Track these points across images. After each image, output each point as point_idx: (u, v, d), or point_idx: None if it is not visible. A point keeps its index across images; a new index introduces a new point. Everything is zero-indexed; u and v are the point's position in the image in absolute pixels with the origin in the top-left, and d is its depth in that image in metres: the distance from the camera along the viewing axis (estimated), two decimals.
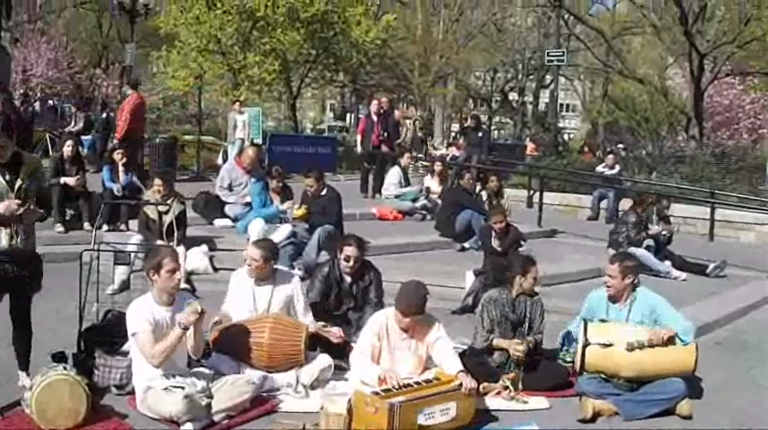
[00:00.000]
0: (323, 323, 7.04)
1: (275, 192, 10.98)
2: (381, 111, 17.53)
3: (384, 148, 17.23)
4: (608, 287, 6.90)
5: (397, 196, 15.10)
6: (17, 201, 5.27)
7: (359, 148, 18.13)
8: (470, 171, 14.72)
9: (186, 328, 5.70)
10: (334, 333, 7.00)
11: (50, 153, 17.88)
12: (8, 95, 17.77)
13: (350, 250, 7.39)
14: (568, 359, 7.19)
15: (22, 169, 5.34)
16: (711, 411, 6.53)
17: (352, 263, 7.38)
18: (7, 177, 5.29)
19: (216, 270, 9.88)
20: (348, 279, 7.45)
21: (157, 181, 10.15)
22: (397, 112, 20.02)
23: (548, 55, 29.15)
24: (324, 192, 10.77)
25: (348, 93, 53.28)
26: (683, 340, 6.57)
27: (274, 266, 7.02)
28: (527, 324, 7.03)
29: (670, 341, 6.50)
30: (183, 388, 5.55)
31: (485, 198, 13.74)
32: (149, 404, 5.64)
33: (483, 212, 12.38)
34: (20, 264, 5.47)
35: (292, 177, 14.22)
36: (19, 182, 5.30)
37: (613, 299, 6.90)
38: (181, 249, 9.20)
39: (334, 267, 7.50)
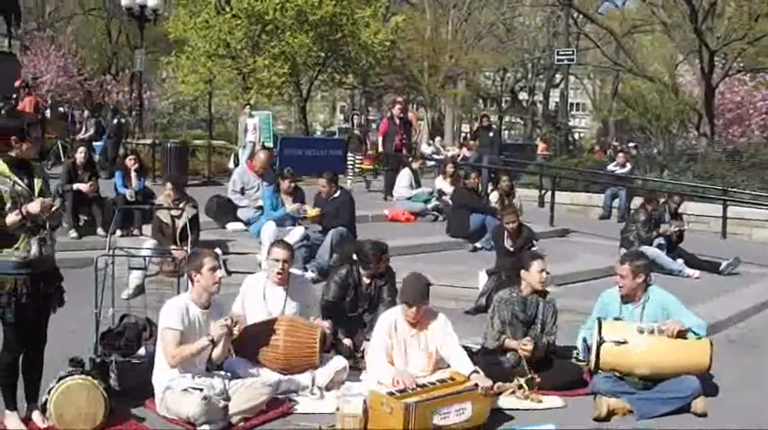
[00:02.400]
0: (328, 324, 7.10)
1: (287, 194, 10.94)
2: (402, 114, 17.50)
3: (404, 151, 17.20)
4: (620, 287, 6.91)
5: (408, 198, 15.13)
6: (49, 199, 5.16)
7: (379, 150, 17.91)
8: (474, 170, 14.74)
9: (213, 342, 5.78)
10: (345, 344, 7.11)
11: (62, 159, 17.95)
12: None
13: (385, 257, 7.58)
14: (582, 358, 7.21)
15: (35, 175, 5.27)
16: (725, 409, 6.52)
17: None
18: (26, 181, 5.19)
19: (229, 273, 9.92)
20: (366, 281, 7.50)
21: (168, 185, 10.22)
22: (410, 114, 20.02)
23: (557, 54, 29.12)
24: (337, 194, 10.80)
25: (358, 95, 53.35)
26: (697, 333, 6.59)
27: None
28: (539, 324, 7.04)
29: (681, 334, 6.52)
30: (201, 389, 5.59)
31: (496, 198, 13.75)
32: (168, 404, 5.68)
33: (489, 213, 12.42)
34: (46, 279, 5.28)
35: (303, 179, 14.24)
36: (38, 185, 5.23)
37: (626, 298, 6.91)
38: None
39: (352, 271, 7.53)
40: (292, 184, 11.01)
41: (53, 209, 5.14)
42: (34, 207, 5.05)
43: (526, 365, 6.76)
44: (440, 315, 6.50)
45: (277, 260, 6.84)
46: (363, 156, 19.66)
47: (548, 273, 7.24)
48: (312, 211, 10.64)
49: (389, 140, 17.22)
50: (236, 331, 5.96)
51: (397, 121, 17.30)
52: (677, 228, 12.26)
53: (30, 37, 39.41)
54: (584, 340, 7.07)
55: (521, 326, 6.99)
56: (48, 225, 5.21)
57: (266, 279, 6.98)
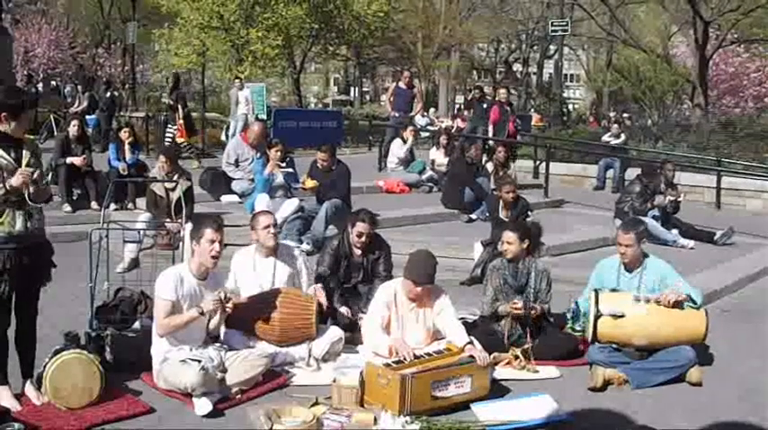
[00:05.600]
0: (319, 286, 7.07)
1: (274, 161, 10.80)
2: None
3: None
4: (623, 255, 6.88)
5: (400, 160, 15.16)
6: (30, 169, 5.09)
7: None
8: (476, 143, 14.72)
9: (203, 314, 5.73)
10: (343, 313, 7.08)
11: (55, 133, 17.88)
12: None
13: (362, 226, 7.36)
14: (578, 328, 7.21)
15: (24, 147, 5.21)
16: (720, 378, 6.55)
17: (364, 239, 7.38)
18: (13, 155, 5.12)
19: (224, 246, 9.88)
20: (358, 252, 7.46)
21: (162, 158, 10.17)
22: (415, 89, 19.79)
23: (551, 25, 29.00)
24: (334, 167, 10.77)
25: (352, 66, 53.14)
26: (695, 301, 6.59)
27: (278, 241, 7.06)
28: (532, 292, 7.02)
29: (677, 304, 6.52)
30: (199, 361, 5.57)
31: (491, 169, 13.73)
32: (165, 376, 5.67)
33: (481, 196, 12.32)
34: (33, 253, 5.21)
35: (293, 151, 14.17)
36: (26, 158, 5.16)
37: (628, 266, 6.89)
38: (189, 226, 9.21)
39: (343, 241, 7.50)
40: (278, 152, 10.88)
41: (34, 176, 5.09)
42: (16, 180, 5.01)
43: (521, 332, 6.76)
44: (442, 291, 6.47)
45: (267, 226, 6.84)
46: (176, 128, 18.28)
47: (517, 245, 7.08)
48: (309, 183, 10.62)
49: (502, 128, 16.68)
50: (229, 307, 5.87)
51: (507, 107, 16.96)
52: (672, 199, 12.26)
53: (21, 10, 39.18)
54: (576, 303, 7.10)
55: (512, 293, 6.99)
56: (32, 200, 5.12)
57: (254, 251, 6.96)
